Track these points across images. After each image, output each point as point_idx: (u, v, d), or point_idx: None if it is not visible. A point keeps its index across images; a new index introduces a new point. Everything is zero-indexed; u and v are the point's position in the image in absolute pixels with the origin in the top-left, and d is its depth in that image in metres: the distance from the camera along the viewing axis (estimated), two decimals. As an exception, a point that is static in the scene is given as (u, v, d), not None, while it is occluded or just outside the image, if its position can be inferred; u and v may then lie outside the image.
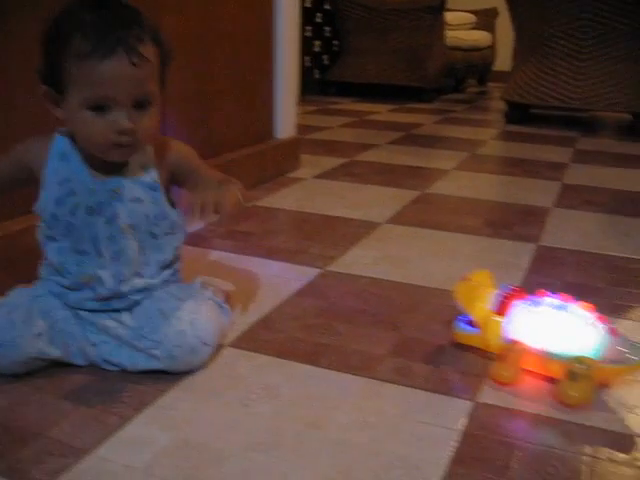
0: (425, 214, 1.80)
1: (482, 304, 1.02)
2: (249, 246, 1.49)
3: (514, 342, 0.97)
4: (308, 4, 4.50)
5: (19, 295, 0.98)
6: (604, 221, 1.81)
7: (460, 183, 2.19)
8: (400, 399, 0.91)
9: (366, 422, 0.86)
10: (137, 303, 0.99)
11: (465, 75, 5.38)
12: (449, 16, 4.91)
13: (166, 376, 0.94)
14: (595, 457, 0.81)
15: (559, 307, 0.98)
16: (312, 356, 1.02)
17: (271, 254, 1.44)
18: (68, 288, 0.98)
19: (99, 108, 0.87)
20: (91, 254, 0.97)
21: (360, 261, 1.42)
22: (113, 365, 0.96)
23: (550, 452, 0.81)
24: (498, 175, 2.43)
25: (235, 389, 0.92)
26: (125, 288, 0.98)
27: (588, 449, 0.82)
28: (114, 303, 0.98)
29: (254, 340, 1.06)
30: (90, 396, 0.90)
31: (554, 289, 1.27)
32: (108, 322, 0.97)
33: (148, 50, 0.88)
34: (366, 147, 2.77)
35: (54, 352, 0.94)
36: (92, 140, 0.90)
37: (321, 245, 1.51)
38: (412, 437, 0.83)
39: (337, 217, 1.74)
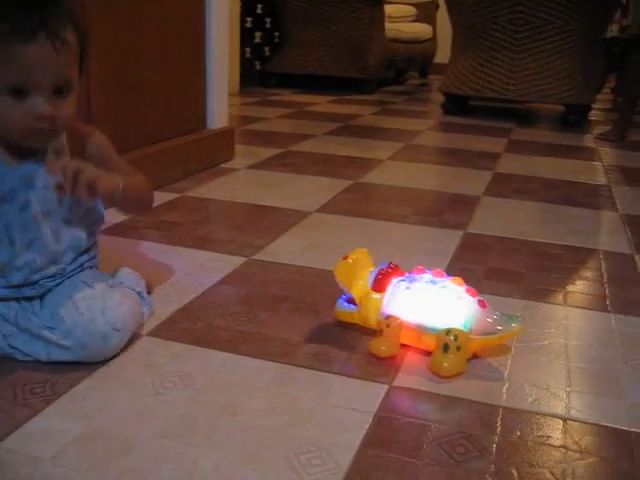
0: (356, 203, 1.81)
1: (360, 282, 1.04)
2: (176, 236, 1.48)
3: (391, 317, 0.99)
4: (248, -6, 4.47)
5: None
6: (532, 209, 1.85)
7: (393, 173, 2.21)
8: (316, 384, 0.92)
9: (280, 407, 0.86)
10: (49, 290, 0.97)
11: (406, 67, 5.42)
12: (390, 8, 4.94)
13: (80, 366, 0.92)
14: (505, 437, 0.82)
15: (431, 282, 1.01)
16: (231, 343, 1.01)
17: (198, 244, 1.43)
18: None
19: (18, 92, 0.85)
20: (3, 243, 0.94)
21: (287, 249, 1.42)
22: (26, 356, 0.94)
23: (460, 432, 0.83)
24: (432, 165, 2.45)
25: (149, 377, 0.91)
26: (37, 277, 0.96)
27: (498, 428, 0.84)
28: (25, 290, 0.96)
29: (173, 329, 1.05)
30: (-1, 388, 0.88)
31: (477, 275, 1.31)
32: (19, 316, 0.95)
33: (69, 34, 0.86)
34: (303, 137, 2.77)
35: (-40, 349, 0.91)
36: (11, 126, 0.88)
37: (249, 234, 1.51)
38: (326, 421, 0.83)
39: (268, 207, 1.73)
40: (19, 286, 0.96)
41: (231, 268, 1.30)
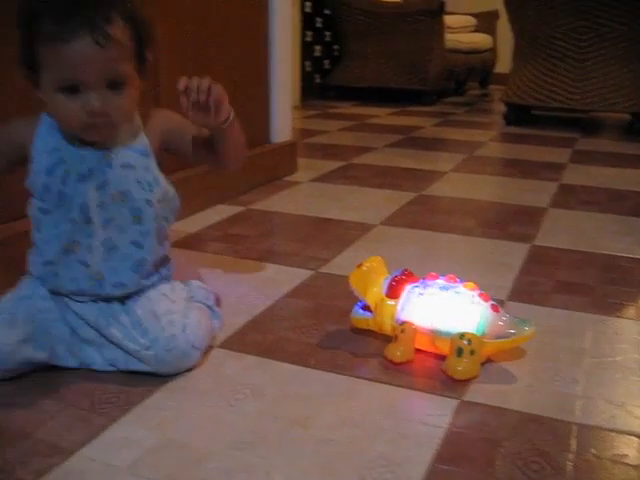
0: (420, 215, 1.80)
1: (375, 289, 1.05)
2: (242, 249, 1.50)
3: (405, 323, 1.01)
4: (308, 9, 4.52)
5: (4, 299, 0.98)
6: (600, 220, 1.81)
7: (456, 184, 2.19)
8: (385, 398, 0.92)
9: (351, 421, 0.86)
10: (129, 297, 0.99)
11: (466, 78, 5.38)
12: (449, 19, 4.91)
13: (154, 376, 0.95)
14: (580, 455, 0.81)
15: (444, 288, 1.02)
16: (299, 356, 1.02)
17: (264, 257, 1.45)
18: (56, 264, 0.97)
19: (70, 89, 0.86)
20: (80, 221, 0.95)
21: (352, 262, 1.40)
22: (104, 366, 0.97)
23: (533, 449, 0.81)
24: (495, 176, 2.43)
25: (221, 389, 0.93)
26: (117, 257, 0.97)
27: (573, 446, 0.82)
28: (107, 284, 0.97)
29: (243, 341, 1.06)
30: (77, 397, 0.90)
31: (546, 288, 1.28)
32: (100, 320, 0.97)
33: (118, 30, 0.86)
34: (365, 150, 2.78)
35: (40, 356, 0.94)
36: (67, 122, 0.90)
37: (314, 247, 1.52)
38: (396, 435, 0.83)
39: (332, 219, 1.74)
40: (99, 279, 0.97)
41: (298, 281, 1.31)
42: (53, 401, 0.89)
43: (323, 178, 2.23)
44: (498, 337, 0.99)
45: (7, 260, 1.17)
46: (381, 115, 3.98)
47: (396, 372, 0.98)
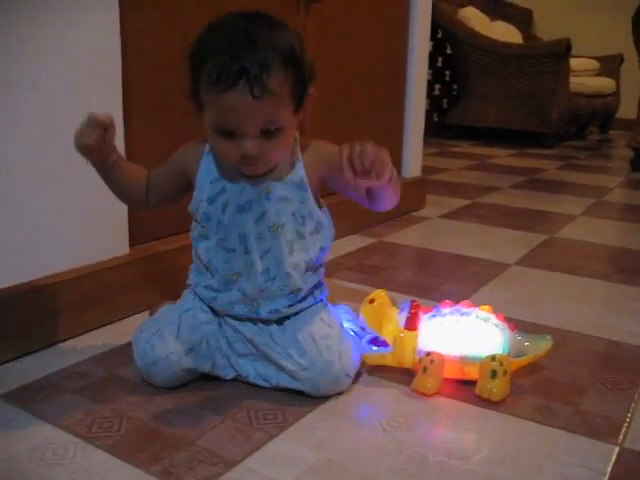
0: (554, 257, 1.77)
1: (391, 323, 1.03)
2: (378, 279, 1.51)
3: (432, 353, 1.00)
4: (430, 48, 4.55)
5: (167, 311, 1.04)
6: None
7: (589, 228, 2.14)
8: (542, 438, 0.90)
9: (509, 457, 0.85)
10: (286, 318, 1.01)
11: (587, 122, 5.26)
12: (573, 62, 4.83)
13: (306, 397, 0.97)
14: None
15: (464, 314, 1.04)
16: (449, 390, 1.02)
17: (401, 289, 1.46)
18: (216, 290, 1.01)
19: (226, 134, 0.89)
20: (239, 251, 0.98)
21: (491, 300, 1.40)
22: (257, 379, 0.99)
23: None
24: (627, 222, 2.35)
25: (375, 415, 0.94)
26: (272, 287, 0.99)
27: None
28: (263, 312, 1.00)
29: (390, 370, 1.07)
30: (235, 410, 0.93)
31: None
32: (257, 338, 1.00)
33: (277, 79, 0.86)
34: (489, 190, 2.76)
35: (203, 366, 0.99)
36: (224, 159, 0.94)
37: (451, 283, 1.51)
38: (557, 476, 0.81)
39: (465, 256, 1.74)
40: (255, 301, 0.99)
41: (439, 314, 1.31)
42: (212, 412, 0.93)
43: (451, 215, 2.23)
44: (518, 355, 1.03)
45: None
46: (501, 155, 3.94)
47: (551, 413, 0.96)
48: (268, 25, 0.89)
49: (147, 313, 1.19)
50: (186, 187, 1.02)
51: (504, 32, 4.87)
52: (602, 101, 5.18)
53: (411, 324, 1.03)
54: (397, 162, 2.15)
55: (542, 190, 2.84)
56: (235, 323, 1.01)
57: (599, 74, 5.34)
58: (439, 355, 1.01)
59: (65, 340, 1.13)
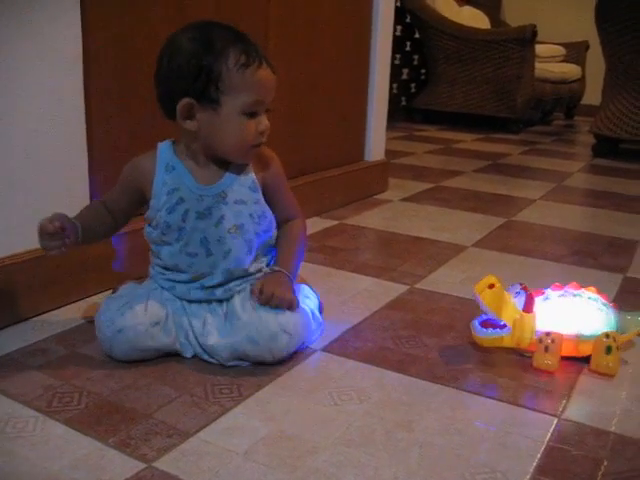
0: (511, 240, 1.82)
1: (509, 306, 1.08)
2: (339, 261, 1.55)
3: (552, 333, 1.06)
4: (398, 32, 4.58)
5: (135, 288, 1.07)
6: (695, 256, 1.79)
7: (546, 212, 2.20)
8: (486, 411, 0.94)
9: (453, 429, 0.89)
10: (237, 292, 1.06)
11: (553, 108, 5.34)
12: (538, 48, 4.89)
13: (262, 372, 1.00)
14: (680, 478, 0.82)
15: (576, 295, 1.12)
16: (401, 364, 1.06)
17: (360, 269, 1.49)
18: (180, 282, 1.06)
19: (251, 113, 0.99)
20: (200, 255, 1.04)
21: (447, 280, 1.45)
22: (210, 358, 1.03)
23: (633, 470, 0.83)
24: (586, 207, 2.42)
25: (327, 389, 0.97)
26: (233, 281, 1.06)
27: (673, 470, 0.83)
28: (218, 292, 1.06)
29: (345, 347, 1.11)
30: (192, 385, 0.97)
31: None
32: (210, 317, 1.04)
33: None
34: (452, 174, 2.81)
35: (166, 340, 1.02)
36: (240, 144, 1.00)
37: (409, 264, 1.56)
38: (498, 446, 0.86)
39: (424, 238, 1.78)
40: (212, 287, 1.06)
41: (395, 294, 1.35)
42: (170, 387, 0.96)
43: (413, 198, 2.27)
44: (622, 331, 1.12)
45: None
46: (467, 140, 4.00)
47: (496, 387, 1.01)
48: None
49: (110, 292, 1.21)
50: (144, 199, 1.07)
51: (472, 17, 4.91)
52: (567, 87, 5.26)
53: (528, 307, 1.08)
54: (360, 145, 2.18)
55: (505, 174, 2.89)
56: (193, 305, 1.06)
57: (565, 60, 5.41)
58: (559, 335, 1.06)
59: (27, 319, 1.15)
